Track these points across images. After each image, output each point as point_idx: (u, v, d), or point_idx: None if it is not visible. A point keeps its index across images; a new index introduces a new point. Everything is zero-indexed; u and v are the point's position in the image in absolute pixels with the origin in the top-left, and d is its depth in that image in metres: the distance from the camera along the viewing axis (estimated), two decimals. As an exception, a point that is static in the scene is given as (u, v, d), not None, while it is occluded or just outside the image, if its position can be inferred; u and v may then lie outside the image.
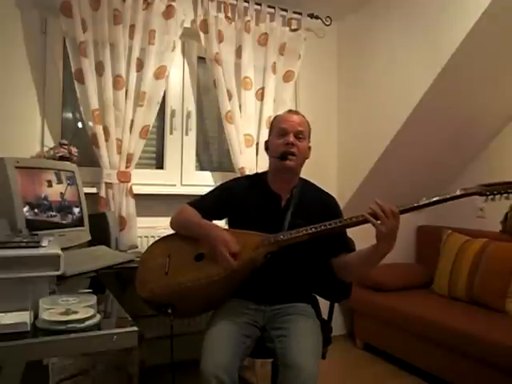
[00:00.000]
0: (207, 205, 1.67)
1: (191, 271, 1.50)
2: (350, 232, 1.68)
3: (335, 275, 1.60)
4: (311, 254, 1.62)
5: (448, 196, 1.45)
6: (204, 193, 1.76)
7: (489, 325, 2.23)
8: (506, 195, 1.43)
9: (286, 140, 1.60)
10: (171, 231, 1.69)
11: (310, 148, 1.70)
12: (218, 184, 1.80)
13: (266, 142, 1.74)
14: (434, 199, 1.44)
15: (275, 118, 1.75)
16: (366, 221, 1.40)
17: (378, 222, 1.37)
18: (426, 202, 1.44)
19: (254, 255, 1.47)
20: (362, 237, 1.64)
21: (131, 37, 2.30)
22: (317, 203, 1.66)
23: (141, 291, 1.50)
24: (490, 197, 1.44)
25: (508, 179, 1.46)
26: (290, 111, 1.73)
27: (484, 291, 2.50)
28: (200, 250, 1.54)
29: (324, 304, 1.83)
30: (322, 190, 1.75)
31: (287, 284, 1.62)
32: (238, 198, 1.66)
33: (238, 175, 2.45)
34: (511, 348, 1.98)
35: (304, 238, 1.47)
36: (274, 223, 1.57)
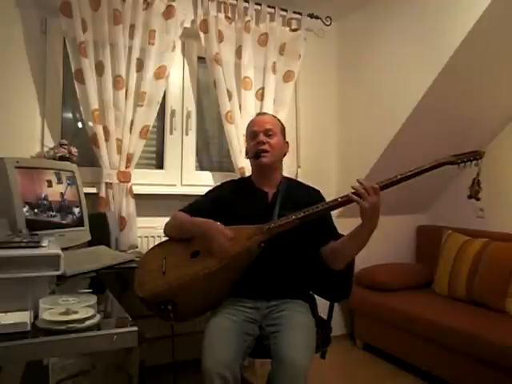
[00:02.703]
0: (199, 210, 1.72)
1: (188, 266, 1.53)
2: (345, 228, 1.70)
3: (326, 264, 1.64)
4: (302, 244, 1.66)
5: (424, 167, 1.52)
6: (199, 196, 1.82)
7: (489, 325, 2.23)
8: (475, 162, 1.53)
9: (256, 140, 1.70)
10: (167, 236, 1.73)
11: (287, 143, 1.81)
12: (207, 190, 1.85)
13: (246, 148, 1.81)
14: (411, 172, 1.51)
15: (248, 124, 1.82)
16: (350, 200, 1.47)
17: (361, 199, 1.44)
18: (404, 175, 1.51)
19: (248, 244, 1.52)
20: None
21: (131, 37, 2.30)
22: (303, 196, 1.72)
23: (140, 292, 1.51)
24: (461, 164, 1.55)
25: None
26: (258, 114, 1.89)
27: (484, 291, 2.50)
28: (195, 248, 1.58)
29: (324, 304, 1.83)
30: (307, 185, 1.83)
31: (281, 279, 1.64)
32: (228, 201, 1.73)
33: (238, 175, 2.45)
34: (511, 348, 1.98)
35: (294, 223, 1.53)
36: (263, 218, 1.61)
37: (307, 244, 1.66)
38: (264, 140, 1.69)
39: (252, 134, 1.73)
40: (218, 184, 1.90)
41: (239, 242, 1.52)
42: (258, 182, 1.77)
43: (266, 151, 1.69)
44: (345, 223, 1.77)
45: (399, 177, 1.51)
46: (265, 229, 1.54)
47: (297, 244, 1.65)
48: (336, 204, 1.53)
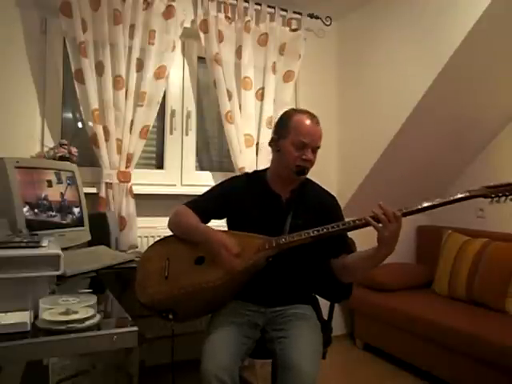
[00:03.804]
0: (205, 205, 1.65)
1: (192, 275, 1.48)
2: (352, 233, 1.68)
3: (334, 276, 1.58)
4: (311, 255, 1.60)
5: (452, 198, 1.42)
6: (207, 190, 1.74)
7: (489, 325, 2.24)
8: (511, 197, 1.42)
9: (304, 155, 1.56)
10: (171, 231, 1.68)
11: None
12: (217, 183, 1.78)
13: (275, 141, 1.62)
14: (438, 202, 1.42)
15: (292, 118, 1.60)
16: (367, 224, 1.39)
17: (380, 225, 1.36)
18: (430, 204, 1.42)
19: (255, 259, 1.46)
20: (364, 238, 1.64)
21: (131, 37, 2.30)
22: (317, 203, 1.65)
23: (141, 296, 1.49)
24: (495, 199, 1.43)
25: (510, 180, 1.45)
26: (311, 119, 1.59)
27: (484, 291, 2.50)
28: (200, 253, 1.53)
29: (324, 304, 1.83)
30: (323, 189, 1.73)
31: (287, 286, 1.61)
32: (237, 198, 1.64)
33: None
34: (511, 348, 1.98)
35: (306, 241, 1.46)
36: (274, 224, 1.56)
37: (317, 255, 1.60)
38: (312, 159, 1.58)
39: (300, 144, 1.55)
40: (229, 178, 1.78)
41: (246, 256, 1.45)
42: (275, 184, 1.66)
43: (309, 168, 1.60)
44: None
45: (425, 205, 1.42)
46: (275, 244, 1.46)
47: (305, 255, 1.59)
48: (352, 226, 1.44)
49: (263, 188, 1.66)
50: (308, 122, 1.58)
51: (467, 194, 1.43)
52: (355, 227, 1.44)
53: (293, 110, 1.71)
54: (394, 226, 1.36)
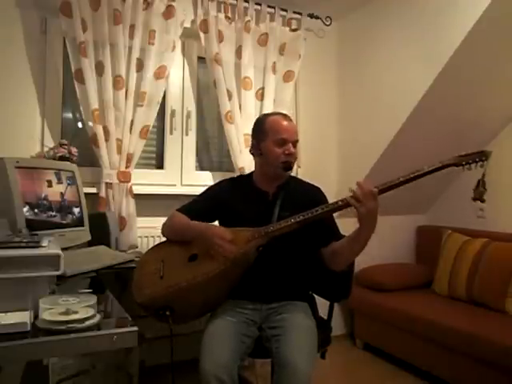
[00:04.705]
0: (197, 209, 1.70)
1: (186, 271, 1.51)
2: (344, 228, 1.70)
3: (325, 265, 1.62)
4: (302, 246, 1.64)
5: (426, 170, 1.46)
6: (197, 195, 1.79)
7: (489, 325, 2.24)
8: (480, 163, 1.47)
9: (287, 150, 1.63)
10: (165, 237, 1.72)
11: None
12: (205, 188, 1.82)
13: (256, 146, 1.69)
14: (413, 175, 1.45)
15: (266, 121, 1.69)
16: (348, 204, 1.44)
17: (359, 204, 1.40)
18: (405, 178, 1.45)
19: (246, 248, 1.50)
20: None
21: (131, 37, 2.30)
22: (303, 195, 1.70)
23: (137, 297, 1.51)
24: (466, 166, 1.48)
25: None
26: (284, 117, 1.69)
27: (484, 291, 2.50)
28: (193, 251, 1.57)
29: (324, 304, 1.83)
30: (307, 183, 1.80)
31: (281, 281, 1.63)
32: (227, 199, 1.70)
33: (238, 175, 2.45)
34: (511, 348, 1.98)
35: (293, 227, 1.50)
36: (263, 218, 1.60)
37: (307, 245, 1.64)
38: (294, 152, 1.64)
39: (281, 141, 1.62)
40: (216, 182, 1.85)
41: (237, 246, 1.50)
42: (261, 183, 1.72)
43: (293, 162, 1.67)
44: (344, 223, 1.77)
45: (401, 179, 1.45)
46: (263, 232, 1.51)
47: (296, 246, 1.63)
48: (335, 208, 1.49)
49: (250, 188, 1.73)
50: (281, 120, 1.68)
51: (439, 165, 1.47)
52: (338, 208, 1.49)
53: (264, 114, 1.81)
54: (371, 203, 1.39)
